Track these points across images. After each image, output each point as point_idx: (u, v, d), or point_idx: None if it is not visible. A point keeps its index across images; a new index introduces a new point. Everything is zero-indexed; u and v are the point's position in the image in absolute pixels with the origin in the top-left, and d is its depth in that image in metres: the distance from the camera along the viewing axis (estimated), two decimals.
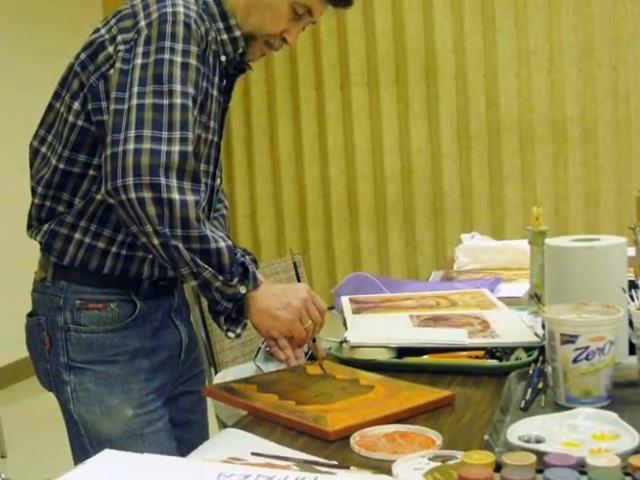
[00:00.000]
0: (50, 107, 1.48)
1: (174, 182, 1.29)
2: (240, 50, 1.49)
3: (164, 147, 1.29)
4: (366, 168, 5.62)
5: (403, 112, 5.51)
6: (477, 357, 1.45)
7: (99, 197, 1.41)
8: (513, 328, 1.56)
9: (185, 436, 1.56)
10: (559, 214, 5.28)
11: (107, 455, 0.99)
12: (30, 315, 1.51)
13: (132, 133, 1.29)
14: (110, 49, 1.38)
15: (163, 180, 1.28)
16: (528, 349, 1.44)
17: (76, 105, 1.41)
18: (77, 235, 1.43)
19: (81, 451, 1.44)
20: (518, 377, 1.29)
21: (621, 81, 5.12)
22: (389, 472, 0.97)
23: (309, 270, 5.60)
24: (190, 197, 1.30)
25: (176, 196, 1.29)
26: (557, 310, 1.24)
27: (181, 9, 1.37)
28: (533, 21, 5.21)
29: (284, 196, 5.81)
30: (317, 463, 1.03)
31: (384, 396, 1.28)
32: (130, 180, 1.27)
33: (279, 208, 5.84)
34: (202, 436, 1.59)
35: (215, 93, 1.45)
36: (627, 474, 0.88)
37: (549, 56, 5.22)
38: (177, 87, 1.33)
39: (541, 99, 5.26)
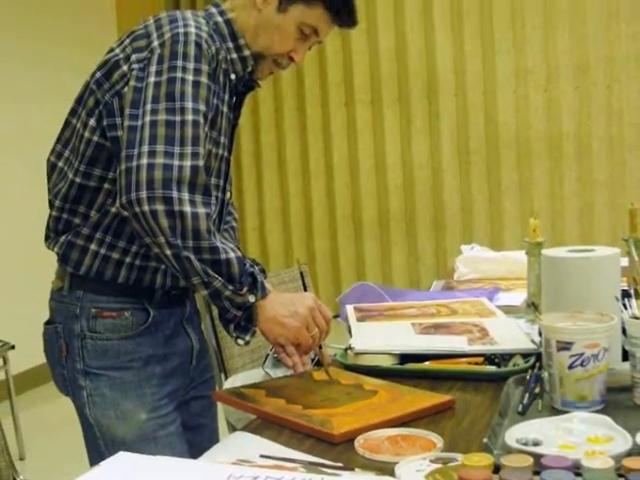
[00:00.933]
0: (67, 123, 1.50)
1: (186, 195, 1.31)
2: (249, 69, 1.51)
3: (176, 162, 1.31)
4: (370, 182, 5.64)
5: (405, 129, 5.53)
6: (476, 363, 1.46)
7: (114, 210, 1.43)
8: (511, 335, 1.57)
9: (196, 439, 1.58)
10: (555, 227, 5.27)
11: (121, 457, 1.01)
12: (47, 323, 1.53)
13: (145, 148, 1.31)
14: (124, 68, 1.41)
15: (175, 193, 1.30)
16: (525, 355, 1.46)
17: (92, 121, 1.43)
18: (93, 246, 1.46)
19: (96, 453, 1.46)
20: (516, 382, 1.30)
21: (615, 99, 5.11)
22: (392, 474, 0.99)
23: (315, 280, 5.60)
24: (201, 210, 1.32)
25: (188, 209, 1.31)
26: (553, 318, 1.25)
27: (193, 30, 1.40)
28: (530, 42, 5.21)
29: (291, 209, 5.83)
30: (323, 465, 1.05)
31: (387, 401, 1.29)
32: (144, 193, 1.29)
33: (286, 221, 5.86)
34: (212, 439, 1.60)
35: (225, 110, 1.48)
36: (620, 475, 0.90)
37: (546, 75, 5.22)
38: (189, 104, 1.35)
39: (538, 116, 5.27)
